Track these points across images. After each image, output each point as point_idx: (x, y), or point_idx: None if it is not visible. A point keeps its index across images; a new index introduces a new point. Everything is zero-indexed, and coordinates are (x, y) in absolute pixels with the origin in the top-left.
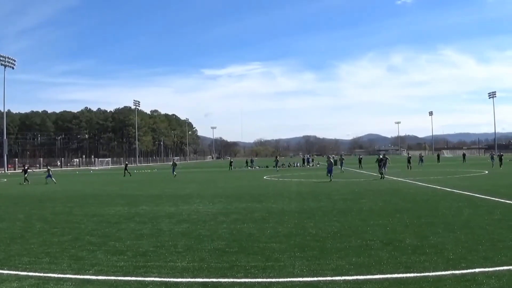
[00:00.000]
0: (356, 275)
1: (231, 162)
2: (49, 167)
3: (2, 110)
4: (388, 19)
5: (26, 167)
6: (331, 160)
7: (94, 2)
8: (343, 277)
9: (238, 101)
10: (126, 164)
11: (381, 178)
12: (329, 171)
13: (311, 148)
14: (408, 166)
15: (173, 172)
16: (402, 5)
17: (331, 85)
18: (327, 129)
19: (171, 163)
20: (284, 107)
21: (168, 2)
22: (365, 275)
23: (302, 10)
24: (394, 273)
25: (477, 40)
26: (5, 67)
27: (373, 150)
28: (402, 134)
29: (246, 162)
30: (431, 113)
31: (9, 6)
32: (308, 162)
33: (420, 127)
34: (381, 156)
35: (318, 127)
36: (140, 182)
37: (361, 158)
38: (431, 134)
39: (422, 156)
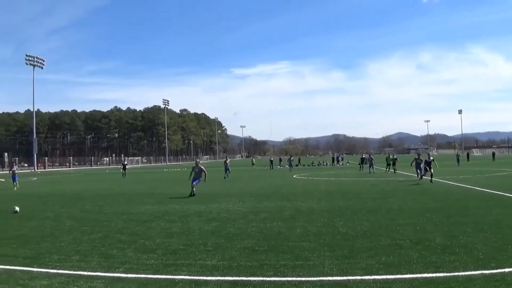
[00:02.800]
0: (386, 274)
1: (271, 160)
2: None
3: (32, 110)
4: (416, 17)
5: None
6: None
7: (123, 2)
8: (373, 277)
9: (267, 100)
10: (125, 164)
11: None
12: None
13: (341, 146)
14: (387, 169)
15: (226, 172)
16: (428, 3)
17: (360, 83)
18: (357, 127)
19: (224, 160)
20: (313, 105)
21: (197, 2)
22: (395, 274)
23: (330, 8)
24: (424, 273)
25: (505, 38)
26: (34, 67)
27: (403, 149)
28: (431, 132)
29: (299, 160)
30: (460, 112)
31: (38, 6)
32: (338, 161)
33: (450, 125)
34: (391, 156)
35: (348, 126)
36: (170, 180)
37: (341, 158)
38: (460, 133)
39: (459, 156)
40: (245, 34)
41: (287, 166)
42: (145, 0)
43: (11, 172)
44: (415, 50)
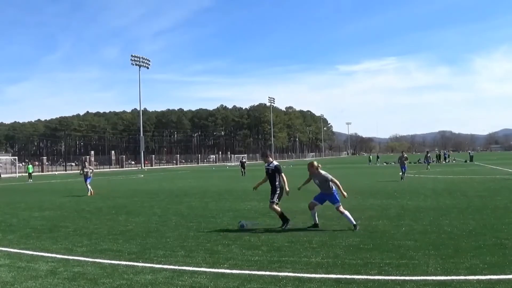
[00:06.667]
0: (490, 274)
1: (406, 157)
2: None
3: (138, 109)
4: None
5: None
6: None
7: (228, 3)
8: (477, 277)
9: (372, 96)
10: (243, 162)
11: None
12: None
13: (447, 143)
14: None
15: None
16: None
17: (466, 79)
18: (463, 124)
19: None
20: (419, 102)
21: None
22: (499, 274)
23: (434, 3)
24: None
25: None
26: (139, 67)
27: (509, 146)
28: None
29: (436, 156)
30: None
31: (144, 8)
32: (445, 158)
33: None
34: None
35: (453, 122)
36: None
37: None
38: None
39: None
40: (350, 30)
41: (424, 162)
42: (250, 1)
43: (82, 171)
44: None
